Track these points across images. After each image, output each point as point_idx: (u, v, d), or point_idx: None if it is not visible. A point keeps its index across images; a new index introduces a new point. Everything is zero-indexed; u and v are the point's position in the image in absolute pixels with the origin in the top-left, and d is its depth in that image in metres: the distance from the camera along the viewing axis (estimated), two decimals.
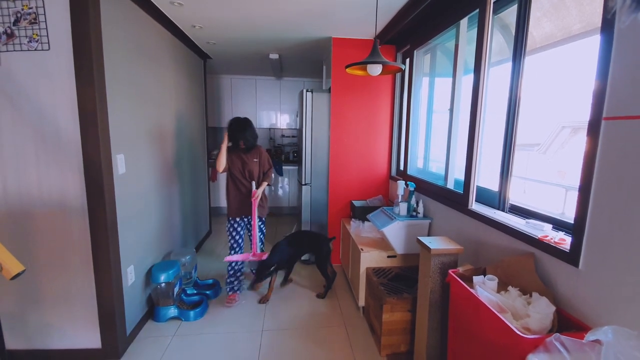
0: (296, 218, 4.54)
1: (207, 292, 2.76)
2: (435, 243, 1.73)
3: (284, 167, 5.29)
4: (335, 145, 3.26)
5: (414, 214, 2.48)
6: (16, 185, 1.82)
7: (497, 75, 1.92)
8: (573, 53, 1.60)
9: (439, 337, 1.75)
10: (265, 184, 2.68)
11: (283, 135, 5.87)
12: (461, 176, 2.06)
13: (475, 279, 1.45)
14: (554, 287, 1.36)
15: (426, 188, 2.60)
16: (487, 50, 1.84)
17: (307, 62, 4.24)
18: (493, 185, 1.89)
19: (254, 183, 2.64)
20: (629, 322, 1.05)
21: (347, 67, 1.97)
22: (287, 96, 5.48)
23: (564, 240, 1.34)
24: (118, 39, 2.00)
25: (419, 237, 1.81)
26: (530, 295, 1.32)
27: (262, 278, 2.52)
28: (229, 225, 2.71)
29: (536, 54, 1.70)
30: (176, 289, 2.44)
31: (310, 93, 3.27)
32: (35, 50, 1.72)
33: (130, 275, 2.18)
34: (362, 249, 2.47)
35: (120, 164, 2.02)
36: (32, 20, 1.70)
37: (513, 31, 1.71)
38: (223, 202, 5.03)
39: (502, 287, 1.43)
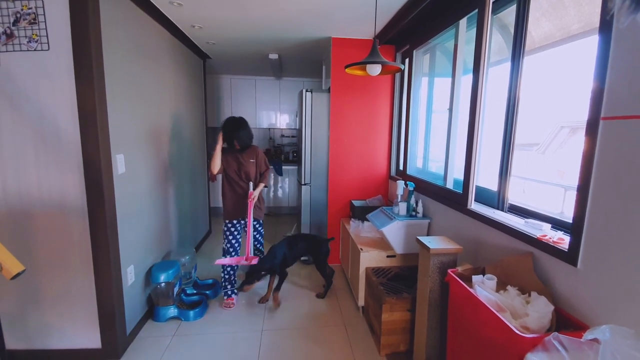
0: (296, 218, 4.55)
1: (207, 292, 2.76)
2: (434, 243, 1.73)
3: (283, 167, 5.29)
4: (334, 145, 3.26)
5: (414, 213, 2.49)
6: (16, 186, 1.83)
7: (496, 75, 1.92)
8: (572, 53, 1.61)
9: (438, 336, 1.76)
10: (262, 185, 2.65)
11: (283, 135, 5.88)
12: (460, 176, 2.07)
13: (475, 278, 1.46)
14: (552, 287, 1.36)
15: (425, 188, 2.60)
16: (486, 50, 1.85)
17: (306, 62, 4.24)
18: (492, 185, 1.89)
19: (251, 184, 2.61)
20: (626, 321, 1.06)
21: (346, 67, 1.98)
22: (286, 96, 5.48)
23: (562, 240, 1.34)
24: (118, 39, 2.00)
25: (418, 237, 1.81)
26: (529, 295, 1.33)
27: (251, 282, 2.49)
28: (225, 229, 2.68)
29: (535, 54, 1.71)
30: (176, 289, 2.45)
31: (310, 93, 3.27)
32: (35, 50, 1.73)
33: (130, 275, 2.19)
34: (361, 249, 2.47)
35: (119, 163, 2.03)
36: (32, 21, 1.70)
37: (512, 31, 1.72)
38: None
39: (501, 286, 1.43)
